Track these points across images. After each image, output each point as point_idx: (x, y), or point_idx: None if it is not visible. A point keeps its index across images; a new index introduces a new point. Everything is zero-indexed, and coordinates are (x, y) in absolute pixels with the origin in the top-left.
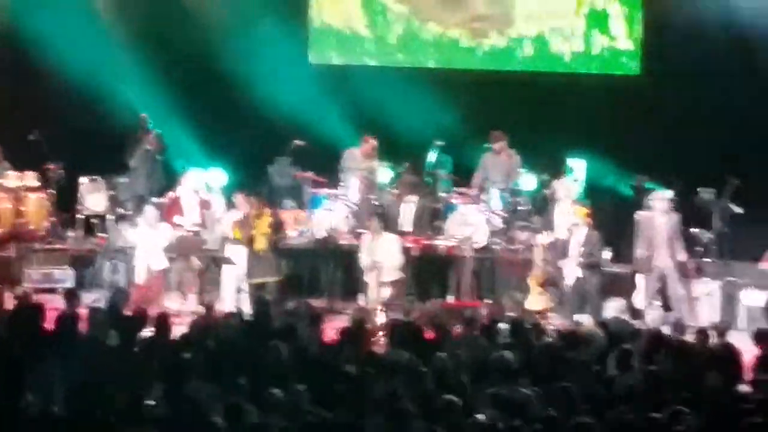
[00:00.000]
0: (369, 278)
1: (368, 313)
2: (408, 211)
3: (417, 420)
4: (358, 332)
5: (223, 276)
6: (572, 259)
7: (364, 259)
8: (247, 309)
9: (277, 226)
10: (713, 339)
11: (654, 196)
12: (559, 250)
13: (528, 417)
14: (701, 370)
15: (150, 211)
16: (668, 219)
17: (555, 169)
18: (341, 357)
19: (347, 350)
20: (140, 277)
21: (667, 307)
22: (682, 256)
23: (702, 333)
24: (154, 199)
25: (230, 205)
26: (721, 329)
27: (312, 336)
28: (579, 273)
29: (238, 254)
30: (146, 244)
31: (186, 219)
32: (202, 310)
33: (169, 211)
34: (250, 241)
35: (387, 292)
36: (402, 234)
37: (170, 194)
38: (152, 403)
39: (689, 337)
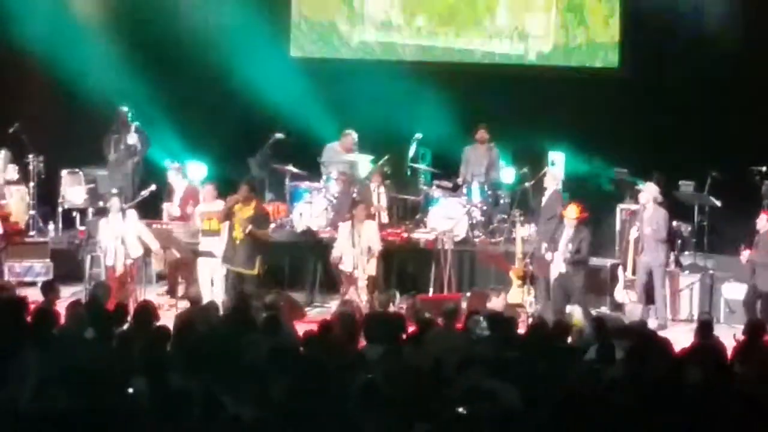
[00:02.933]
0: (353, 266)
1: (351, 305)
2: (381, 200)
3: (396, 414)
4: (343, 325)
5: (198, 268)
6: (559, 254)
7: (342, 248)
8: (221, 299)
9: (259, 220)
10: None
11: (642, 188)
12: (541, 241)
13: (508, 409)
14: (684, 364)
15: (114, 202)
16: (654, 212)
17: (534, 161)
18: (320, 350)
19: (326, 343)
20: (113, 269)
21: (647, 300)
22: (665, 250)
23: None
24: (115, 190)
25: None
26: (705, 323)
27: (290, 329)
28: (563, 269)
29: (213, 245)
30: (113, 236)
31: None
32: (181, 302)
33: (185, 201)
34: (229, 227)
35: (363, 282)
36: (381, 226)
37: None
38: (131, 392)
39: (673, 330)
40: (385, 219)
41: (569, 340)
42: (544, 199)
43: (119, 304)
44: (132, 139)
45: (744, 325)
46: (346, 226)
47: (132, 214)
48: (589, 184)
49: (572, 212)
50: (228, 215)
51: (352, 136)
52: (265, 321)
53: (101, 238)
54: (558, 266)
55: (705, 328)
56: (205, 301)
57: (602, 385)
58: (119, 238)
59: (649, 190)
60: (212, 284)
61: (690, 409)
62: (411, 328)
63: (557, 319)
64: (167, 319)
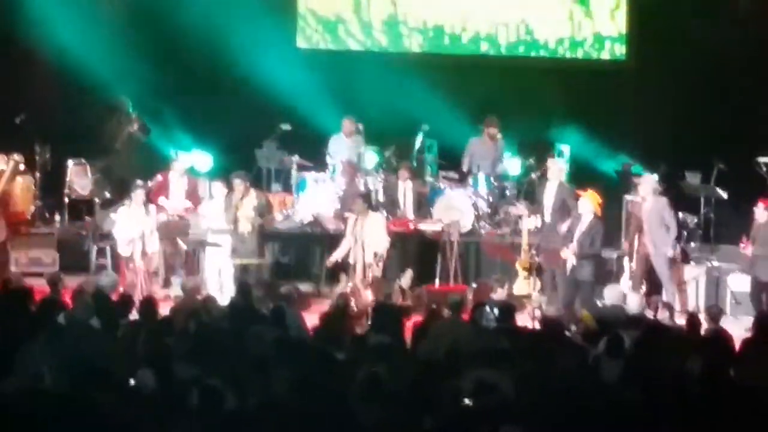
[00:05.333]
0: (354, 259)
1: (352, 296)
2: (407, 195)
3: (400, 406)
4: (339, 316)
5: (205, 259)
6: (573, 247)
7: (348, 241)
8: (230, 292)
9: (263, 209)
10: (705, 324)
11: (640, 180)
12: (548, 233)
13: (513, 402)
14: (690, 356)
15: (139, 194)
16: (654, 203)
17: (540, 153)
18: (324, 341)
19: (329, 334)
20: (128, 260)
21: (650, 291)
22: (668, 240)
23: (693, 317)
24: (140, 182)
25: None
26: (714, 314)
27: (297, 321)
28: (574, 261)
29: (221, 238)
30: (135, 227)
31: (171, 202)
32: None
33: (156, 193)
34: (234, 222)
35: (371, 273)
36: (398, 218)
37: (158, 177)
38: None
39: (680, 322)
40: (411, 215)
41: (576, 333)
42: (550, 192)
43: (124, 295)
44: (132, 128)
45: (753, 320)
46: (351, 219)
47: (152, 207)
48: (595, 175)
49: (590, 204)
50: (234, 214)
51: (351, 121)
52: (271, 312)
53: (119, 228)
54: (571, 259)
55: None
56: (212, 293)
57: (602, 379)
58: (142, 231)
59: (647, 182)
60: (220, 275)
61: (692, 401)
62: (418, 319)
63: (565, 312)
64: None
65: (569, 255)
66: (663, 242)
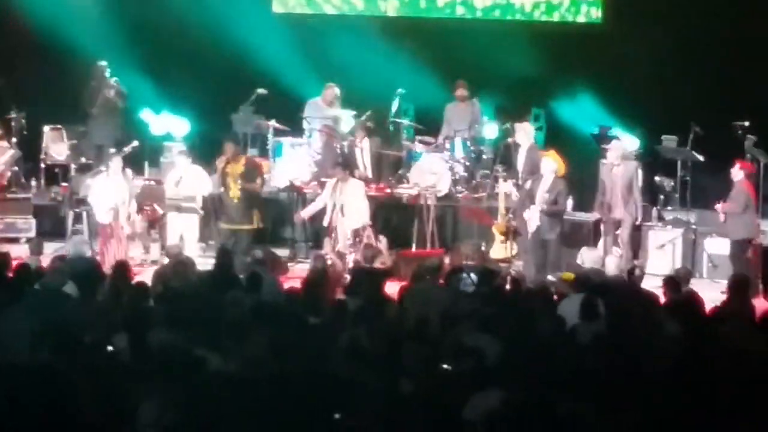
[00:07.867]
0: (332, 224)
1: (331, 260)
2: (364, 155)
3: (380, 370)
4: (318, 280)
5: (168, 223)
6: (536, 207)
7: (322, 200)
8: (195, 254)
9: (250, 174)
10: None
11: (610, 145)
12: (523, 196)
13: (492, 366)
14: (663, 319)
15: (116, 161)
16: (625, 168)
17: (517, 117)
18: (303, 306)
19: (308, 299)
20: (107, 227)
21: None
22: (636, 204)
23: (667, 282)
24: (114, 150)
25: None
26: (684, 277)
27: (275, 285)
28: (538, 221)
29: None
30: (114, 195)
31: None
32: (164, 259)
33: None
34: (224, 187)
35: (350, 239)
36: (366, 181)
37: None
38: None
39: (653, 286)
40: (369, 174)
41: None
42: (521, 156)
43: (99, 261)
44: (110, 93)
45: (727, 281)
46: (330, 184)
47: (129, 172)
48: (572, 139)
49: (552, 164)
50: (222, 178)
51: (334, 89)
52: (247, 278)
53: (97, 195)
54: (534, 219)
55: (672, 283)
56: None
57: (581, 342)
58: (122, 198)
59: (615, 148)
60: (182, 240)
61: (669, 364)
62: (394, 284)
63: (536, 274)
64: (144, 276)
65: (533, 215)
66: (629, 207)
